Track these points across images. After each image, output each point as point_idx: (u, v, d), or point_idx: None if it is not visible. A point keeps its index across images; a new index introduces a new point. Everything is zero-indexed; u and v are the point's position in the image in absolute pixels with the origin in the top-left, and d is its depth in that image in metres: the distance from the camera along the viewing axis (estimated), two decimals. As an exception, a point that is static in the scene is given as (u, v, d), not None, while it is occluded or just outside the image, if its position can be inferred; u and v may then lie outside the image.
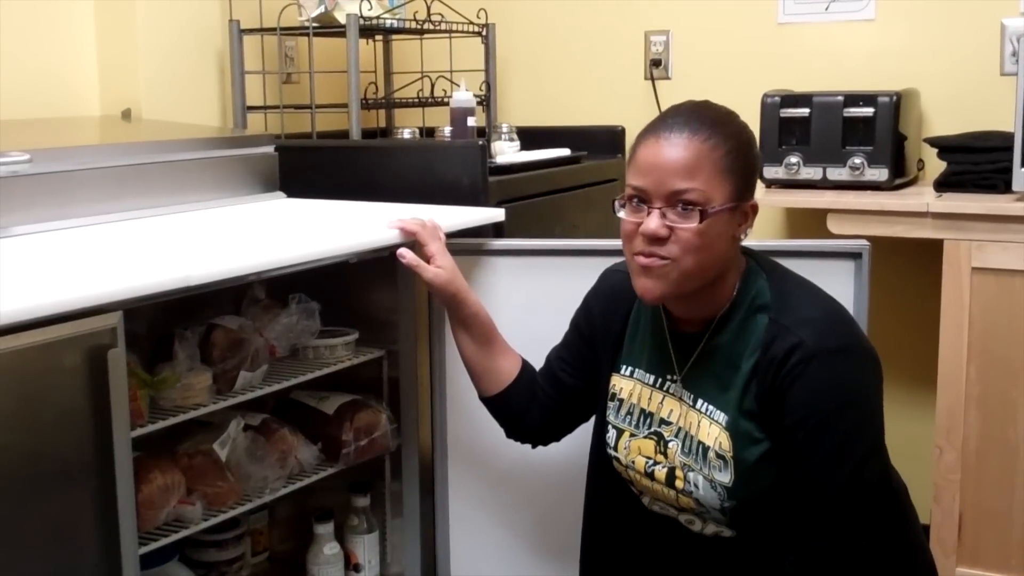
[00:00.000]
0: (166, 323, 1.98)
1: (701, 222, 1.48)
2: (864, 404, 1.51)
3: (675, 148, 1.49)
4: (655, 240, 1.49)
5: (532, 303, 2.11)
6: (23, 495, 1.46)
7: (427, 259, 1.88)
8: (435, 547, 2.24)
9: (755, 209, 1.57)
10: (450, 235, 2.15)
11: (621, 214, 1.55)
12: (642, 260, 1.52)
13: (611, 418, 1.70)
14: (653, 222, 1.49)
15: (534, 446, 1.90)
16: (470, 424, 2.15)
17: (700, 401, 1.59)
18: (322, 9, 2.77)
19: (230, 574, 2.29)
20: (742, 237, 1.57)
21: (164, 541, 1.85)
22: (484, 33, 3.09)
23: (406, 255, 1.87)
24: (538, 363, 1.90)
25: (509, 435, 1.89)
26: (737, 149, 1.52)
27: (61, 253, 1.81)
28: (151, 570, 1.96)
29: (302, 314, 2.17)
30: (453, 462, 2.20)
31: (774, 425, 1.51)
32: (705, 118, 1.52)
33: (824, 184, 2.64)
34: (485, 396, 1.88)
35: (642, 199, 1.51)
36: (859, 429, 1.50)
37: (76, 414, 1.52)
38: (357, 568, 2.32)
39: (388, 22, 2.87)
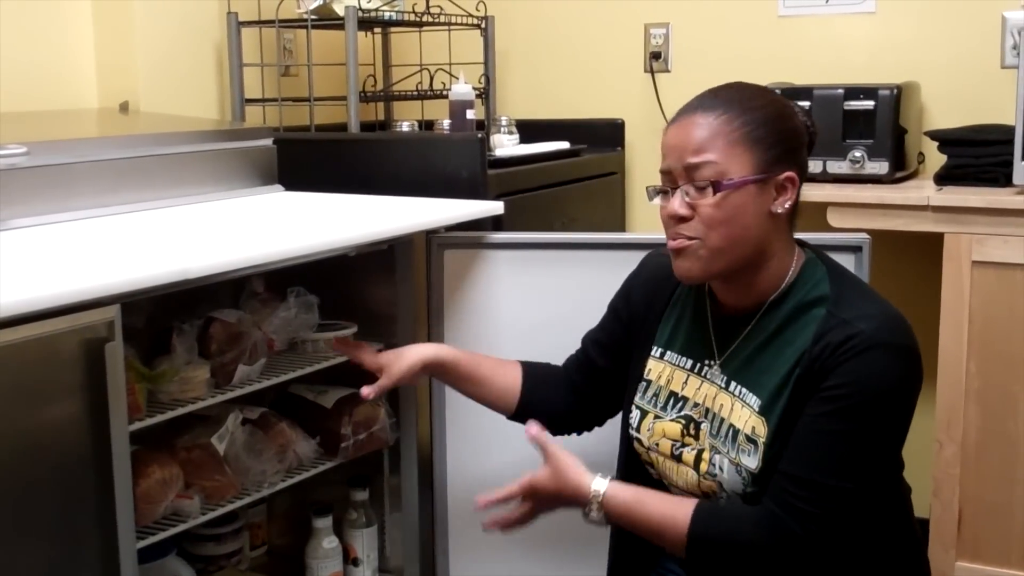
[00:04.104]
0: (164, 316, 1.98)
1: (715, 195, 1.49)
2: (902, 402, 1.49)
3: (684, 128, 1.52)
4: (679, 220, 1.53)
5: (531, 296, 2.11)
6: (20, 489, 1.46)
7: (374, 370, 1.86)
8: (434, 541, 2.24)
9: (793, 181, 1.53)
10: (449, 228, 2.15)
11: (655, 201, 1.58)
12: (671, 243, 1.55)
13: (637, 399, 1.70)
14: (674, 203, 1.53)
15: (580, 433, 1.87)
16: (468, 418, 2.14)
17: (733, 384, 1.58)
18: (320, 1, 2.76)
19: (228, 568, 2.29)
20: (780, 211, 1.53)
21: (162, 535, 1.85)
22: (483, 26, 3.08)
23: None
24: (539, 356, 1.89)
25: (555, 433, 1.79)
26: (759, 121, 1.51)
27: (59, 246, 1.81)
28: (149, 564, 1.95)
29: (300, 307, 2.17)
30: (451, 456, 2.19)
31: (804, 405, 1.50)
32: (720, 97, 1.54)
33: (824, 177, 2.64)
34: (509, 416, 1.86)
35: (668, 183, 1.55)
36: (886, 423, 1.48)
37: (74, 408, 1.52)
38: (356, 562, 2.32)
39: (387, 14, 2.86)
